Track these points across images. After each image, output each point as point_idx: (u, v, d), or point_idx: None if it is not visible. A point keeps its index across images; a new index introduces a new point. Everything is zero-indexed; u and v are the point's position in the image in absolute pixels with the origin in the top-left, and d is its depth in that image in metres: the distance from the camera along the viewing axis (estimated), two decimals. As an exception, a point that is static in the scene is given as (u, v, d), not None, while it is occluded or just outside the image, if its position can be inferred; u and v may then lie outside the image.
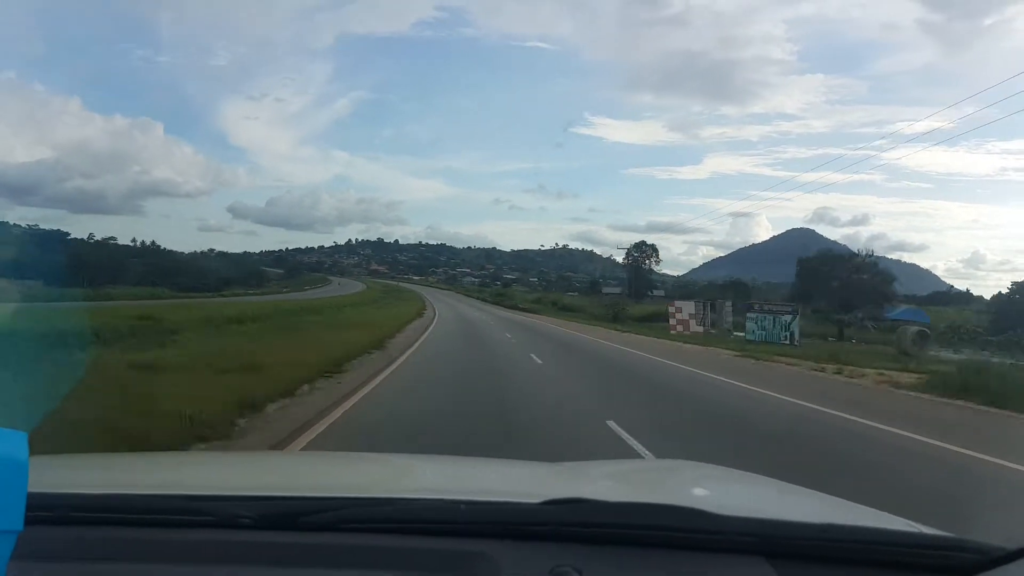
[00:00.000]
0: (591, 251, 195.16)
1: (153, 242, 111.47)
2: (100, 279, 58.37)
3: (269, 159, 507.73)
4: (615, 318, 62.43)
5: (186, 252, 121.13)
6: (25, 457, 0.79)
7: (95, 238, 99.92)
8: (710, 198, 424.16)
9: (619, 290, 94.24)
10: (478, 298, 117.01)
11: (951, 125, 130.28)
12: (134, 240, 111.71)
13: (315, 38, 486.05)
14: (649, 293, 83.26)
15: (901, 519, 1.48)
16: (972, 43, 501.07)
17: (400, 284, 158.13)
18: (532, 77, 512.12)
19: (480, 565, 1.17)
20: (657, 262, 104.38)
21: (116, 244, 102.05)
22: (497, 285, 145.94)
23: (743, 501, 1.89)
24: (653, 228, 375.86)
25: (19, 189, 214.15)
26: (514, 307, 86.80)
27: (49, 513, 1.21)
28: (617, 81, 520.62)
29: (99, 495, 1.34)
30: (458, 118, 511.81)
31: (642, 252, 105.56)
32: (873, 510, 1.66)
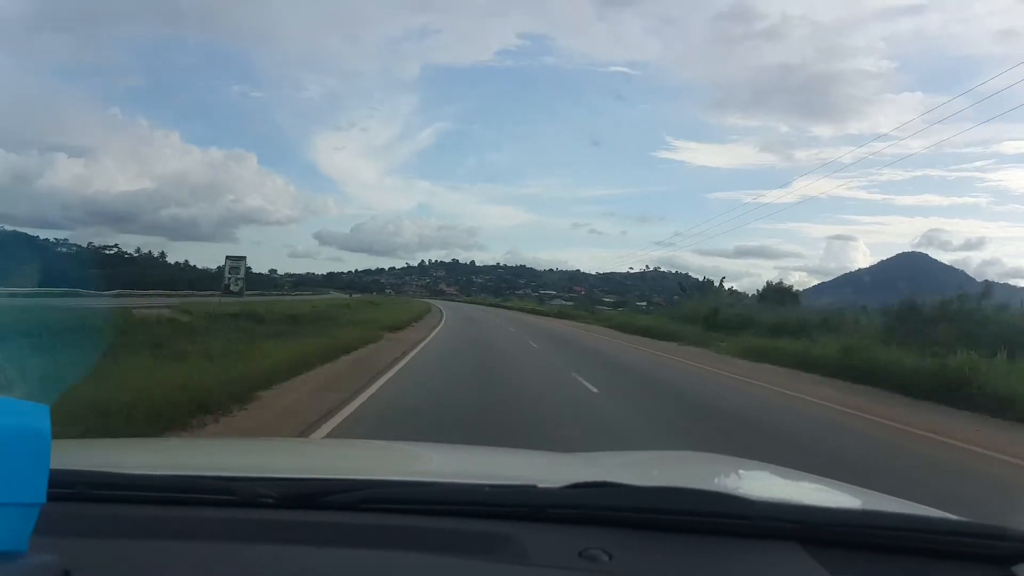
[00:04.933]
0: (686, 274, 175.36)
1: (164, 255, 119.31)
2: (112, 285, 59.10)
3: (355, 188, 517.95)
4: None
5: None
6: (47, 430, 0.78)
7: (139, 252, 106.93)
8: (800, 222, 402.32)
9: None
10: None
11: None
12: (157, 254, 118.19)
13: (400, 69, 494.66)
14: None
15: (935, 509, 1.42)
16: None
17: (427, 300, 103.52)
18: (613, 102, 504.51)
19: (507, 547, 1.14)
20: None
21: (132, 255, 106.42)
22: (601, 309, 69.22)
23: (772, 489, 1.86)
24: (741, 253, 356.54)
25: (121, 217, 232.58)
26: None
27: (73, 491, 1.22)
28: (702, 102, 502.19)
29: (124, 474, 1.35)
30: (537, 145, 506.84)
31: None
32: (906, 501, 1.60)
